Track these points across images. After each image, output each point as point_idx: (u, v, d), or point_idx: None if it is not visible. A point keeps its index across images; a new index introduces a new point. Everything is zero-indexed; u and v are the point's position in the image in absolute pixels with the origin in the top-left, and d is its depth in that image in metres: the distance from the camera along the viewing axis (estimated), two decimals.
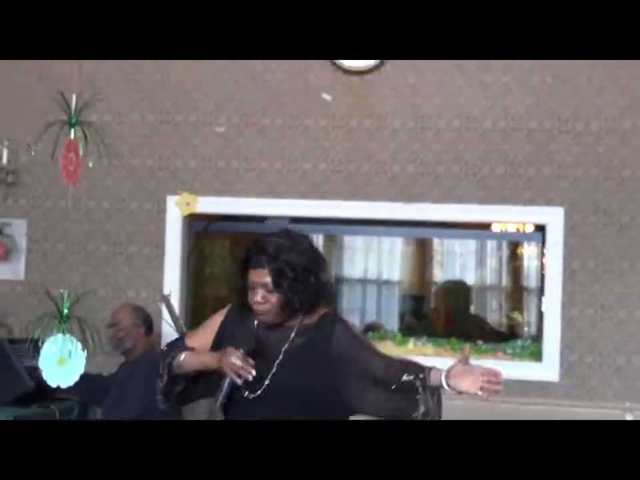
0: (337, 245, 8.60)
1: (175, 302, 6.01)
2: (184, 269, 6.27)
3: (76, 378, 3.40)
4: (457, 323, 7.22)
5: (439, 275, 8.46)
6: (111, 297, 6.20)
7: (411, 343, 6.06)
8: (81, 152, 3.16)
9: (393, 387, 3.31)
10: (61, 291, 3.48)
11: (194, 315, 6.49)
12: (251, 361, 3.37)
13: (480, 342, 6.10)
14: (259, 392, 3.42)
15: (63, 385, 3.42)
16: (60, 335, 3.38)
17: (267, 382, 3.42)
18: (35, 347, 3.34)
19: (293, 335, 3.48)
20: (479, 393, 3.20)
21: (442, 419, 3.31)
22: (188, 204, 6.14)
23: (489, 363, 5.77)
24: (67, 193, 6.17)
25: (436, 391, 3.27)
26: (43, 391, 5.41)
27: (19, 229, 6.26)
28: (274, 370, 3.44)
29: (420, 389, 3.25)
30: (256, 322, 3.55)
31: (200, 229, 6.53)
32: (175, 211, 6.16)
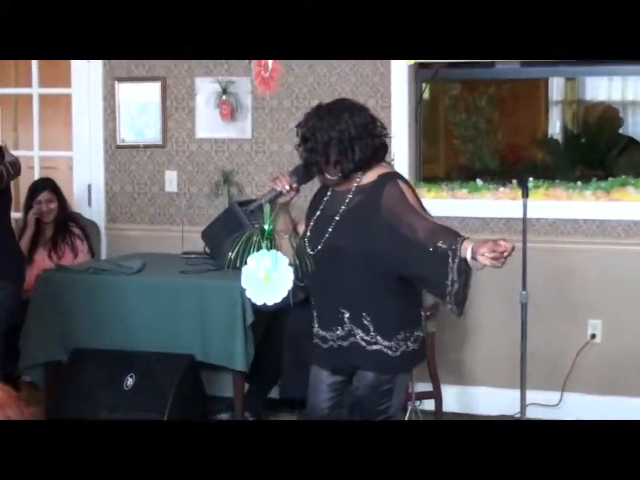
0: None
1: (405, 153, 5.95)
2: (412, 119, 6.07)
3: (284, 294, 3.34)
4: None
5: None
6: None
7: None
8: None
9: (430, 250, 3.47)
10: (263, 201, 3.44)
11: (425, 168, 6.36)
12: (289, 179, 3.72)
13: None
14: (317, 250, 3.72)
15: (270, 302, 3.38)
16: (263, 251, 3.32)
17: (322, 240, 3.72)
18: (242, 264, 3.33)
19: (350, 195, 3.74)
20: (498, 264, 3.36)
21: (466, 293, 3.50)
22: None
23: None
24: None
25: (465, 263, 3.42)
26: None
27: (243, 87, 6.20)
28: (330, 229, 3.72)
29: (450, 259, 3.42)
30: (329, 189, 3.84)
31: (427, 77, 6.29)
32: (399, 61, 5.90)
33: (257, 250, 3.34)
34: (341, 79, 6.11)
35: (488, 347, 5.86)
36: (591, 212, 5.74)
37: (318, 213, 3.81)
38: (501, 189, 5.87)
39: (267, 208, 3.40)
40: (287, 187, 3.73)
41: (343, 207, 3.72)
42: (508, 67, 6.04)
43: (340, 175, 3.70)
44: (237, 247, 3.32)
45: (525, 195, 4.71)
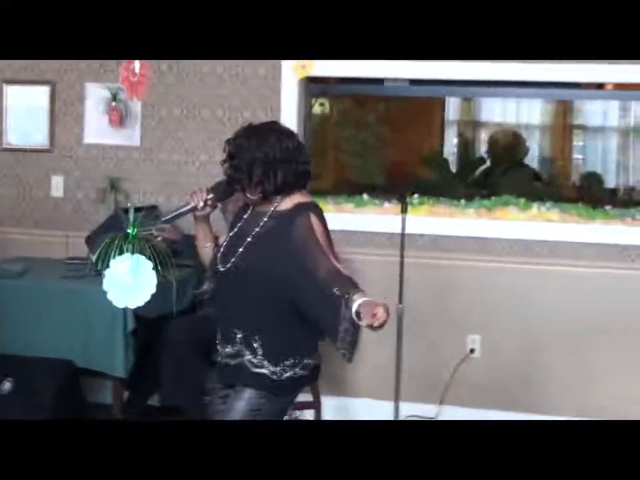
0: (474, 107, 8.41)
1: None
2: (301, 133, 6.10)
3: (146, 298, 3.34)
4: (585, 187, 6.97)
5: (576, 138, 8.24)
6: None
7: (534, 209, 5.85)
8: None
9: (326, 293, 3.47)
10: (129, 205, 3.43)
11: (313, 181, 6.39)
12: (205, 196, 3.83)
13: (608, 207, 5.86)
14: (227, 266, 3.77)
15: (131, 306, 3.37)
16: (127, 255, 3.32)
17: (233, 258, 3.76)
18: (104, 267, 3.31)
19: (266, 219, 3.78)
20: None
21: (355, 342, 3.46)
22: (304, 66, 5.93)
23: (616, 228, 5.68)
24: None
25: (355, 315, 3.38)
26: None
27: None
28: (241, 249, 3.76)
29: (343, 307, 3.40)
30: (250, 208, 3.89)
31: (317, 92, 6.35)
32: (289, 74, 5.96)
33: (120, 254, 3.34)
34: (232, 91, 6.13)
35: (368, 359, 5.91)
36: (473, 229, 5.86)
37: (235, 230, 3.87)
38: (386, 204, 5.96)
39: (131, 213, 3.41)
40: (201, 204, 3.83)
41: (256, 229, 3.77)
42: (397, 85, 6.16)
43: (260, 195, 3.75)
44: (100, 250, 3.34)
45: (404, 210, 4.80)
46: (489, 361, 5.85)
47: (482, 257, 5.85)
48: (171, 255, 3.53)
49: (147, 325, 5.32)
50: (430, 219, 5.90)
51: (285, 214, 3.74)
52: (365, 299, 3.38)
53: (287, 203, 3.77)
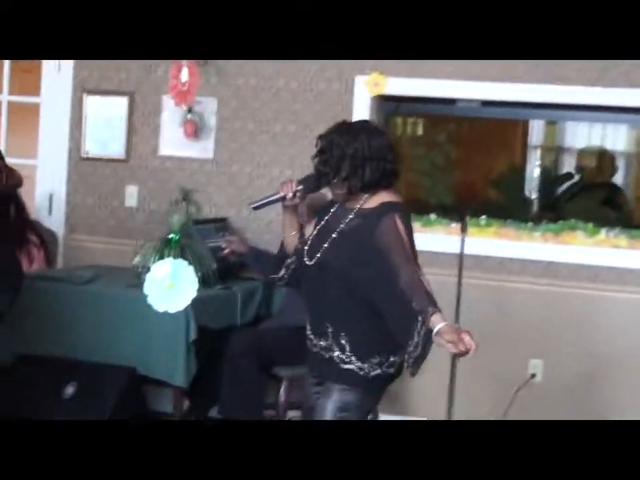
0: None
1: None
2: None
3: (186, 303, 3.37)
4: None
5: None
6: (296, 177, 6.16)
7: (602, 234, 5.80)
8: None
9: (403, 305, 3.50)
10: (169, 218, 3.48)
11: None
12: (295, 187, 3.90)
13: None
14: (313, 261, 3.84)
15: (171, 310, 3.41)
16: (169, 259, 3.37)
17: (318, 253, 3.83)
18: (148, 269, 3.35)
19: (351, 216, 3.82)
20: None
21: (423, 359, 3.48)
22: (376, 84, 6.00)
23: None
24: (257, 71, 6.18)
25: (429, 333, 3.42)
26: (226, 272, 5.50)
27: (209, 107, 6.28)
28: (326, 244, 3.82)
29: (419, 324, 3.43)
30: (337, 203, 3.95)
31: (390, 110, 6.40)
32: (363, 92, 6.03)
33: (161, 258, 3.40)
34: (305, 107, 6.20)
35: (425, 378, 5.90)
36: (539, 253, 5.84)
37: (322, 224, 3.93)
38: (453, 224, 5.95)
39: (174, 218, 3.47)
40: (290, 194, 3.92)
41: (342, 225, 3.82)
42: (469, 106, 6.16)
43: (347, 191, 3.81)
44: (141, 254, 3.39)
45: (464, 230, 4.82)
46: (550, 386, 5.81)
47: (547, 281, 5.83)
48: (214, 264, 3.55)
49: (209, 336, 5.40)
50: (496, 241, 5.90)
51: (371, 212, 3.77)
52: (446, 323, 3.42)
53: (373, 201, 3.80)
